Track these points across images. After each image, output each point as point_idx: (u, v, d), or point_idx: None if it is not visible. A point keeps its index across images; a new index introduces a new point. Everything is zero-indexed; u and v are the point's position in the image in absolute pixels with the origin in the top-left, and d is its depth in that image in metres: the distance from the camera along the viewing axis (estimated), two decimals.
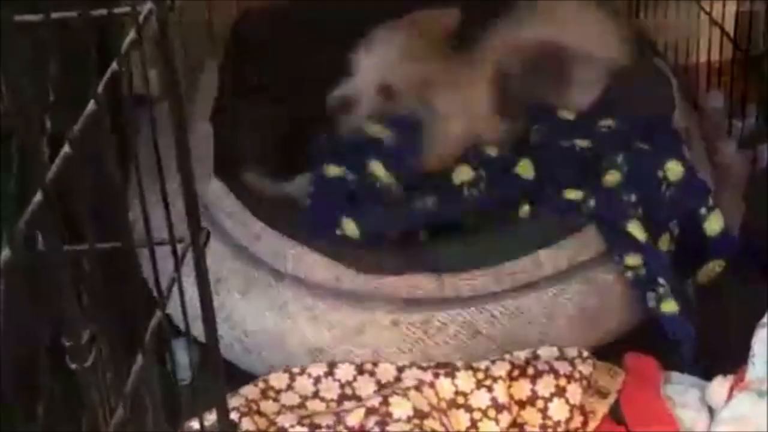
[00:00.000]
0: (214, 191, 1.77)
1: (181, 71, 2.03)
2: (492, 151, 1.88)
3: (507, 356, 1.57)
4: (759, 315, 1.63)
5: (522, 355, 1.57)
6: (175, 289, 0.84)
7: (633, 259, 1.68)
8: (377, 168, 1.79)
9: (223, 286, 1.67)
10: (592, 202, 1.74)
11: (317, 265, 1.66)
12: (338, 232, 1.70)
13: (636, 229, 1.69)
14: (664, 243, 1.73)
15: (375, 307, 1.63)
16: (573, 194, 1.77)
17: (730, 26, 2.18)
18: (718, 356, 1.65)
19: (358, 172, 1.78)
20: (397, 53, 1.86)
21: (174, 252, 0.81)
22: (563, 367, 1.53)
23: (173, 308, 0.85)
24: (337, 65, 2.07)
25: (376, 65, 1.87)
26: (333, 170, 1.78)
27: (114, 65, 0.73)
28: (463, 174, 1.82)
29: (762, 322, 1.59)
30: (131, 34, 0.77)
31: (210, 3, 2.23)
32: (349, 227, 1.70)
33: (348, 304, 1.63)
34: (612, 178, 1.80)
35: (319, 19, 2.15)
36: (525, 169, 1.81)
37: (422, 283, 1.64)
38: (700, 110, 2.22)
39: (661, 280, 1.67)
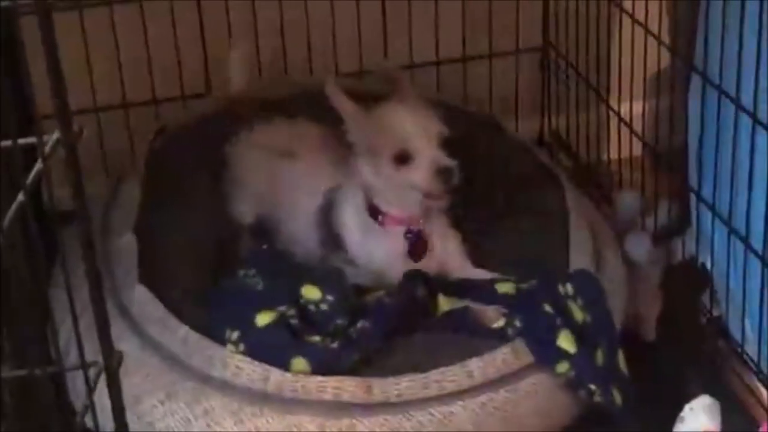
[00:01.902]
0: (140, 298, 1.78)
1: (102, 187, 2.06)
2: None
3: None
4: (680, 406, 1.66)
5: None
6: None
7: (562, 366, 1.70)
8: (310, 291, 1.78)
9: (147, 392, 1.67)
10: (518, 323, 1.74)
11: (245, 367, 1.65)
12: (286, 370, 1.66)
13: (565, 341, 1.70)
14: (599, 357, 1.74)
15: (301, 411, 1.62)
16: (497, 323, 1.76)
17: (638, 125, 2.25)
18: None
19: (295, 304, 1.76)
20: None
21: (86, 377, 0.81)
22: None
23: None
24: None
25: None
26: (264, 318, 1.72)
27: (21, 196, 0.74)
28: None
29: (681, 417, 1.62)
30: (38, 165, 0.78)
31: (128, 117, 2.27)
32: (299, 365, 1.66)
33: (274, 408, 1.62)
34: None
35: (232, 129, 2.17)
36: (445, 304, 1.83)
37: (350, 386, 1.64)
38: (613, 207, 2.27)
39: (592, 387, 1.69)
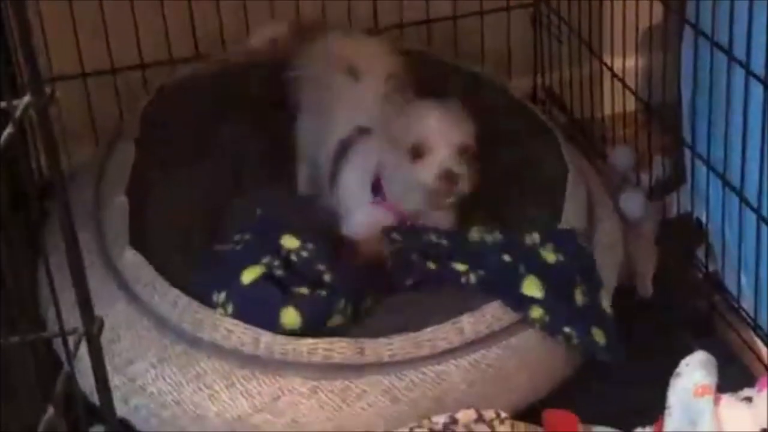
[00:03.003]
0: (130, 261, 1.76)
1: (91, 154, 2.05)
2: None
3: (425, 422, 1.57)
4: (676, 362, 1.65)
5: (441, 420, 1.57)
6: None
7: (536, 311, 1.70)
8: (289, 241, 1.77)
9: (139, 355, 1.67)
10: (481, 272, 1.74)
11: (235, 329, 1.64)
12: (278, 329, 1.65)
13: (531, 287, 1.71)
14: (578, 297, 1.74)
15: (293, 373, 1.62)
16: (460, 266, 1.76)
17: (631, 80, 2.23)
18: (636, 405, 1.67)
19: (278, 255, 1.75)
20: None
21: (65, 344, 0.80)
22: (482, 430, 1.53)
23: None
24: (247, 138, 2.11)
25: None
26: (249, 275, 1.71)
27: None
28: None
29: (677, 372, 1.61)
30: (9, 129, 0.77)
31: (116, 82, 2.25)
32: (289, 316, 1.66)
33: (266, 370, 1.62)
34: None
35: (228, 91, 2.16)
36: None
37: (341, 347, 1.63)
38: (609, 163, 2.26)
39: (566, 329, 1.69)
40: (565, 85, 2.42)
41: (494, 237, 1.84)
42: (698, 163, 1.93)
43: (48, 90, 0.81)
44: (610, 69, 2.26)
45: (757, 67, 1.65)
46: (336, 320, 1.68)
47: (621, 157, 2.24)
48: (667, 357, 1.67)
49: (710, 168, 1.88)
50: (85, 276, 0.85)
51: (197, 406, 1.63)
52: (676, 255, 2.03)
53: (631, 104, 2.23)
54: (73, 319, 0.92)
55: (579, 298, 1.74)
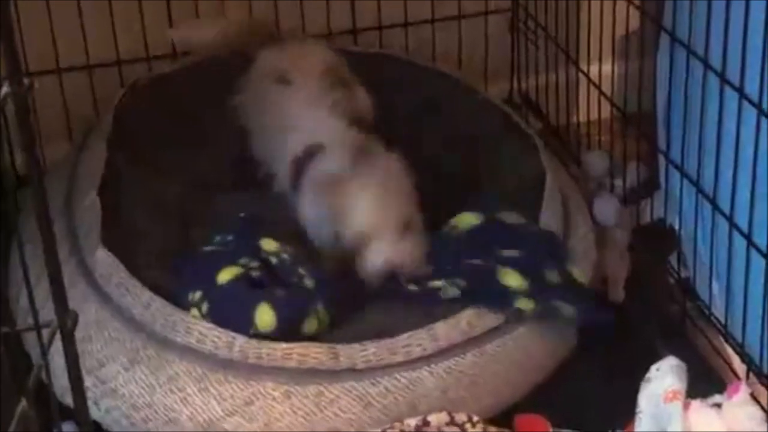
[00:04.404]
0: (102, 261, 1.75)
1: (65, 151, 2.03)
2: None
3: (397, 424, 1.57)
4: (646, 367, 1.66)
5: (413, 422, 1.57)
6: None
7: (522, 302, 1.70)
8: (268, 243, 1.77)
9: (110, 357, 1.66)
10: (459, 280, 1.73)
11: (208, 332, 1.63)
12: (252, 329, 1.63)
13: (508, 278, 1.70)
14: (553, 276, 1.75)
15: (267, 378, 1.61)
16: (436, 282, 1.75)
17: (607, 87, 2.24)
18: (607, 409, 1.68)
19: (257, 257, 1.75)
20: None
21: (39, 337, 0.80)
22: None
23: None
24: (222, 136, 2.10)
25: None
26: (225, 275, 1.69)
27: None
28: None
29: (647, 377, 1.62)
30: None
31: (92, 79, 2.24)
32: (264, 313, 1.63)
33: (239, 374, 1.61)
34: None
35: (202, 88, 2.15)
36: None
37: (316, 352, 1.62)
38: (583, 169, 2.26)
39: (557, 302, 1.70)
40: (541, 91, 2.43)
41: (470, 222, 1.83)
42: (672, 170, 1.94)
43: (26, 81, 0.80)
44: (587, 75, 2.26)
45: (733, 75, 1.66)
46: (312, 325, 1.66)
47: (595, 162, 2.25)
48: (638, 362, 1.68)
49: (684, 175, 1.89)
50: (60, 268, 0.85)
51: (169, 409, 1.62)
52: (648, 261, 2.04)
53: (606, 110, 2.24)
54: (44, 314, 0.92)
55: (553, 278, 1.74)
